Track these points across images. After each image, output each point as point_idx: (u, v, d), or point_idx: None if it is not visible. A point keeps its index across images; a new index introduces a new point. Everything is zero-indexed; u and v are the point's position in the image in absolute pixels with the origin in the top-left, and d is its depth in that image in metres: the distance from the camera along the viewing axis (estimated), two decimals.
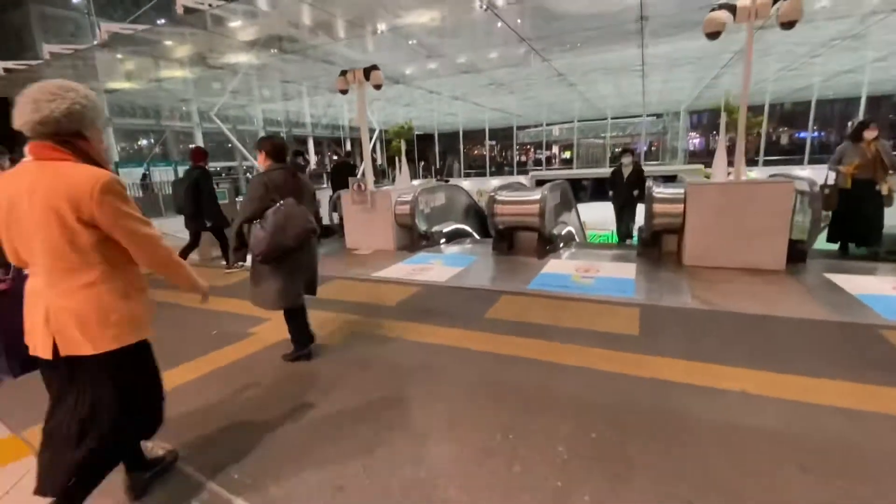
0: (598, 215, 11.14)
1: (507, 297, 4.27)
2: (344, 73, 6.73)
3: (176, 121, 20.87)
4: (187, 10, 7.22)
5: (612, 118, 24.70)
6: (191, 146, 21.41)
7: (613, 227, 8.60)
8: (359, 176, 7.52)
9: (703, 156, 24.67)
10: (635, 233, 7.27)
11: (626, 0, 7.37)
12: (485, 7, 7.38)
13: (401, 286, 4.81)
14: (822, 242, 5.27)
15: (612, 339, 3.20)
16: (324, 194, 8.51)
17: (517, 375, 2.78)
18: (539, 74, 13.29)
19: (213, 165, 17.30)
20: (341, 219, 7.57)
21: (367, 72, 6.56)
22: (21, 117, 1.44)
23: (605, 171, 13.25)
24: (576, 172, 22.97)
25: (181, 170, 15.63)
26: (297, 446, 2.18)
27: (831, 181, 5.34)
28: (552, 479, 1.87)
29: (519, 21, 8.51)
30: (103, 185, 1.44)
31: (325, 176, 21.40)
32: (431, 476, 1.93)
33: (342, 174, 8.16)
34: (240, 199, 6.02)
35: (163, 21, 9.27)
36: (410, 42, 9.73)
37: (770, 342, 3.09)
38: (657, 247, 5.66)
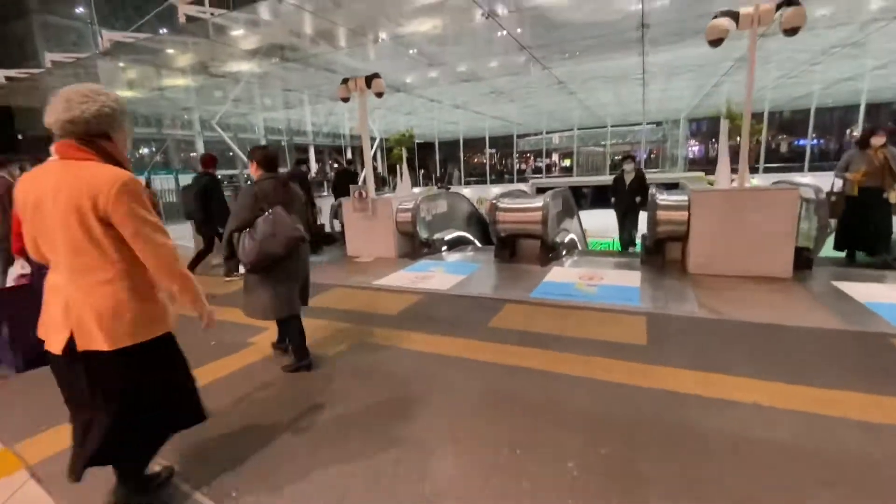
0: (599, 223, 11.10)
1: (511, 305, 4.21)
2: (346, 81, 6.73)
3: (177, 129, 20.95)
4: (189, 18, 7.24)
5: (611, 126, 24.76)
6: (192, 154, 21.53)
7: (614, 234, 8.54)
8: (360, 183, 7.50)
9: (703, 163, 24.74)
10: (638, 240, 7.22)
11: (628, 8, 7.39)
12: (486, 16, 7.39)
13: (403, 294, 4.75)
14: (828, 250, 5.21)
15: (619, 349, 3.14)
16: (324, 202, 8.48)
17: (523, 387, 2.72)
18: (539, 82, 13.32)
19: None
20: (342, 226, 7.53)
21: (369, 80, 6.55)
22: (52, 115, 1.50)
23: (605, 178, 13.25)
24: (576, 180, 22.98)
25: (182, 178, 15.66)
26: (297, 461, 2.11)
27: (838, 188, 5.30)
28: (563, 498, 1.80)
29: (519, 30, 8.53)
30: (122, 185, 1.49)
31: (325, 184, 21.43)
32: (436, 492, 1.86)
33: (344, 182, 8.14)
34: None
35: (165, 30, 9.30)
36: (411, 51, 9.75)
37: (780, 352, 3.03)
38: (661, 254, 5.61)
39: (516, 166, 29.25)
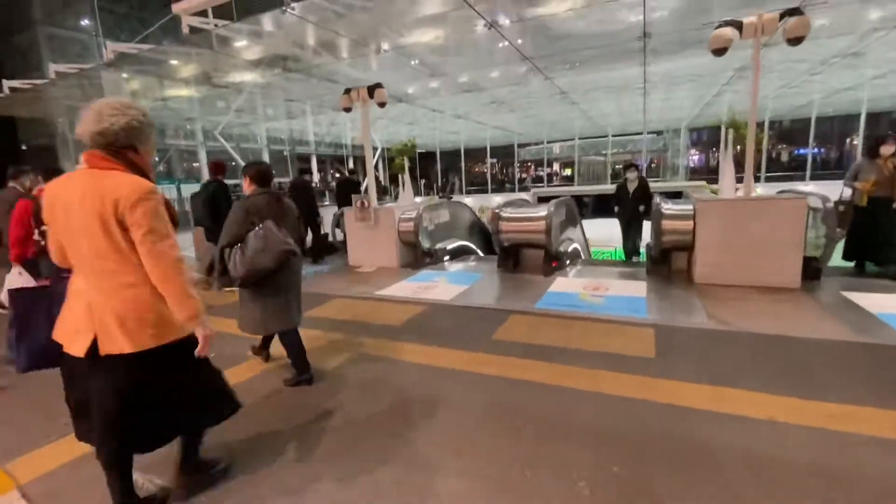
0: (602, 232, 11.05)
1: (515, 316, 4.14)
2: (348, 91, 6.74)
3: (180, 140, 21.07)
4: (193, 29, 7.29)
5: (612, 135, 24.83)
6: (195, 164, 21.62)
7: (618, 243, 8.48)
8: (362, 193, 7.48)
9: (704, 172, 24.76)
10: (642, 249, 7.16)
11: (629, 19, 7.41)
12: (488, 26, 7.42)
13: (405, 305, 4.69)
14: (836, 260, 5.14)
15: (627, 362, 3.07)
16: (326, 211, 8.46)
17: (529, 401, 2.65)
18: (541, 92, 13.37)
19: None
20: (344, 235, 7.49)
21: (371, 90, 6.56)
22: (83, 126, 1.58)
23: (608, 187, 13.22)
24: (577, 189, 23.01)
25: (184, 188, 15.69)
26: (296, 480, 2.04)
27: (846, 197, 5.24)
28: None
29: (521, 41, 8.57)
30: (142, 193, 1.55)
31: (326, 193, 21.51)
32: None
33: (346, 191, 8.12)
34: None
35: (169, 41, 9.37)
36: (413, 62, 9.80)
37: (792, 364, 2.96)
38: (667, 264, 5.54)
39: (517, 176, 29.31)
